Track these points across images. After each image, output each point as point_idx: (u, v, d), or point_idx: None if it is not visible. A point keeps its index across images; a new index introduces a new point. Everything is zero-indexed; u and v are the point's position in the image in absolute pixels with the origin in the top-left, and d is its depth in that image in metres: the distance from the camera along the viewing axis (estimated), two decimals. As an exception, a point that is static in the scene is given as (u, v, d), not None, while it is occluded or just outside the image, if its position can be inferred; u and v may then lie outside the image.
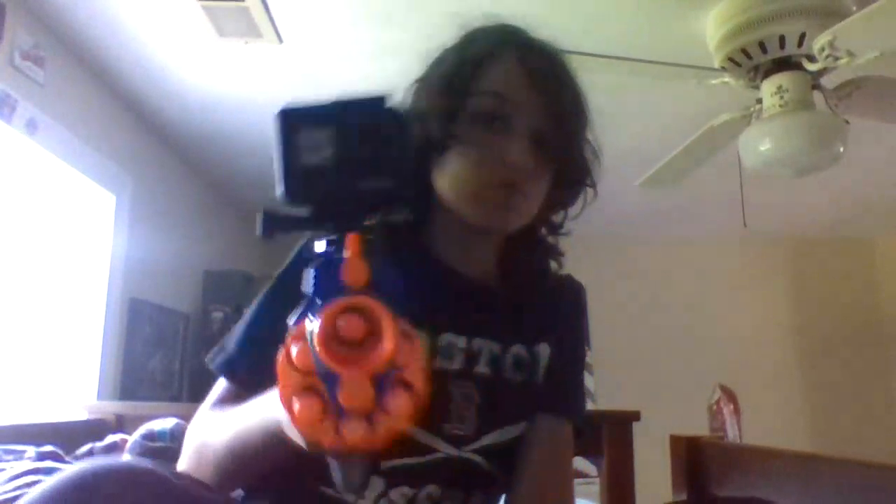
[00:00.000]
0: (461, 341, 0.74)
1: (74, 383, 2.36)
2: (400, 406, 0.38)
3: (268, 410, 0.57)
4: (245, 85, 2.47)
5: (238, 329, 0.75)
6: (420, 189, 0.76)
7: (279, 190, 0.45)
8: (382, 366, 0.37)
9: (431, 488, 0.71)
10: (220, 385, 0.74)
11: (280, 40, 2.14)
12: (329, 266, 0.38)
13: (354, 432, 0.37)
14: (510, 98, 0.74)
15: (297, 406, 0.38)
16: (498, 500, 0.78)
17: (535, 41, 0.81)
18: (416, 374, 0.39)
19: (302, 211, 0.46)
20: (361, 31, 2.10)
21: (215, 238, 3.62)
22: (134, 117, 2.71)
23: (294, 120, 0.46)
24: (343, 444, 0.38)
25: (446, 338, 0.73)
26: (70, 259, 2.38)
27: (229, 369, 0.73)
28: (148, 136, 2.85)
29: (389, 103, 0.46)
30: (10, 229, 2.05)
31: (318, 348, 0.37)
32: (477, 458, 0.72)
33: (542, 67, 0.77)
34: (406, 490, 0.70)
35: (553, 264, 0.87)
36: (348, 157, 0.44)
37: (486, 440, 0.72)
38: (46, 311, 2.24)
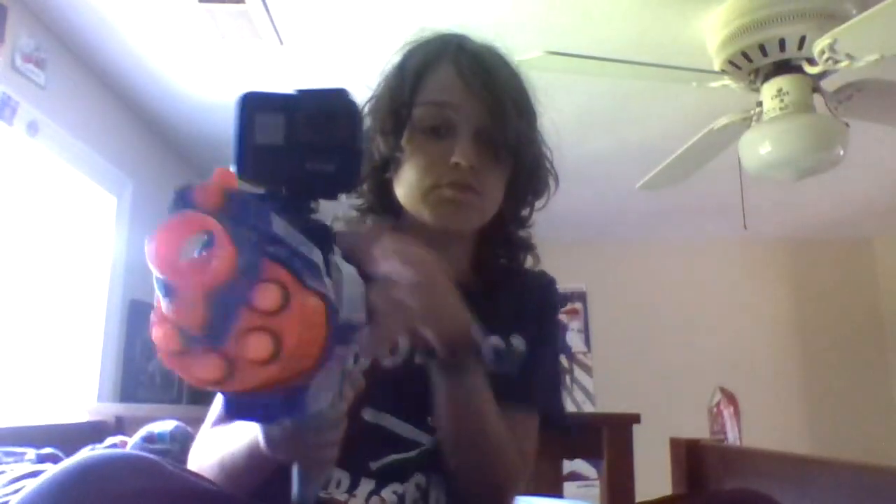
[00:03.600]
0: None
1: (74, 385, 2.36)
2: (254, 349, 0.33)
3: (251, 428, 0.58)
4: (245, 87, 2.46)
5: None
6: (387, 202, 0.81)
7: (232, 167, 0.48)
8: (216, 284, 0.33)
9: (418, 478, 0.74)
10: (218, 403, 0.73)
11: (280, 42, 2.14)
12: (185, 189, 0.36)
13: (205, 367, 0.33)
14: (450, 104, 0.78)
15: (154, 334, 0.34)
16: None
17: (469, 46, 0.84)
18: (288, 326, 0.33)
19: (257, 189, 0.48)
20: (361, 33, 2.10)
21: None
22: (135, 119, 2.71)
23: (252, 104, 0.50)
24: (195, 379, 0.34)
25: None
26: (70, 260, 2.38)
27: None
28: (148, 138, 2.85)
29: (347, 96, 0.49)
30: (11, 231, 2.05)
31: (153, 260, 0.34)
32: None
33: (478, 70, 0.80)
34: (396, 486, 0.73)
35: (530, 259, 0.90)
36: (297, 140, 0.48)
37: None
38: (47, 313, 2.24)
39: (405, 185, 0.79)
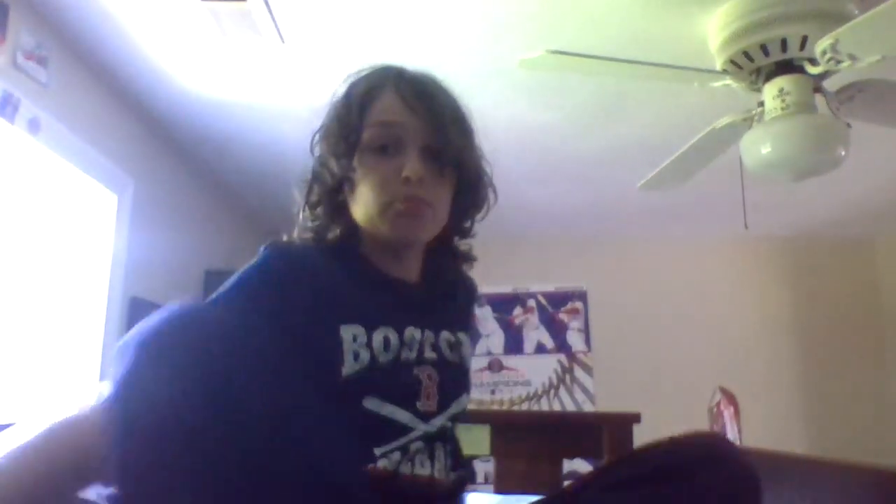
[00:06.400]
0: (416, 333, 0.85)
1: (75, 382, 2.36)
2: None
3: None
4: (247, 85, 2.47)
5: None
6: (343, 221, 0.87)
7: None
8: None
9: (417, 444, 0.81)
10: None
11: (282, 40, 2.14)
12: None
13: None
14: (395, 123, 0.85)
15: None
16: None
17: (408, 73, 0.92)
18: None
19: None
20: (362, 32, 2.10)
21: (216, 238, 3.63)
22: (136, 117, 2.71)
23: None
24: None
25: (409, 331, 0.84)
26: (71, 258, 2.38)
27: None
28: (150, 136, 2.85)
29: None
30: (12, 228, 2.05)
31: None
32: (447, 423, 0.85)
33: (418, 92, 0.88)
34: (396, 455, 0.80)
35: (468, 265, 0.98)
36: None
37: (448, 412, 0.85)
38: (47, 311, 2.25)
39: (362, 204, 0.85)
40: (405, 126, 0.85)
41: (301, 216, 0.90)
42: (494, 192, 0.96)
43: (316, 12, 2.00)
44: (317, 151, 0.91)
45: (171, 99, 2.60)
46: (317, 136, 0.91)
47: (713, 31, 1.99)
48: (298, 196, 0.91)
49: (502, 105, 2.58)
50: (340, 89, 0.93)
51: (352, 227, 0.88)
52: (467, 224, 0.95)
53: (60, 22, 2.08)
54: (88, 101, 2.37)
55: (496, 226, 3.92)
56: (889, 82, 1.93)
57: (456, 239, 0.95)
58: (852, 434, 4.20)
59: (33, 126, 2.00)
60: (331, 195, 0.87)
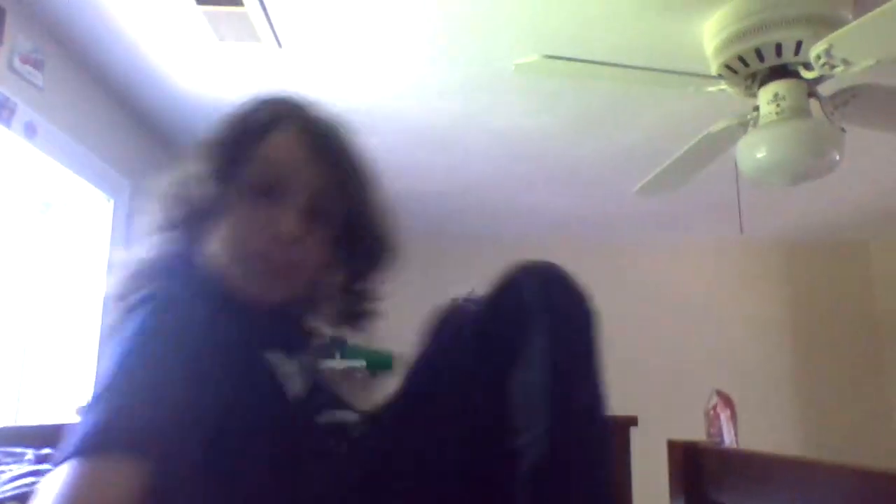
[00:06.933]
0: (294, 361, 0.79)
1: (72, 385, 2.35)
2: None
3: None
4: (243, 90, 2.47)
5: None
6: (193, 250, 0.77)
7: None
8: None
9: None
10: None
11: (279, 45, 2.14)
12: None
13: None
14: (286, 168, 0.76)
15: None
16: None
17: (314, 114, 0.82)
18: None
19: None
20: (359, 36, 2.11)
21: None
22: (133, 121, 2.71)
23: None
24: None
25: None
26: (68, 262, 2.37)
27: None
28: (146, 141, 2.85)
29: None
30: (7, 232, 2.05)
31: None
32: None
33: (318, 136, 0.79)
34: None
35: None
36: None
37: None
38: (44, 314, 2.24)
39: (223, 241, 0.75)
40: (297, 174, 0.76)
41: (153, 235, 0.79)
42: (395, 252, 0.87)
43: (313, 17, 2.01)
44: (192, 165, 0.78)
45: (168, 103, 2.60)
46: (198, 148, 0.79)
47: (708, 36, 2.00)
48: (155, 210, 0.79)
49: (498, 110, 2.59)
50: (240, 108, 0.82)
51: (197, 258, 0.77)
52: (360, 285, 0.85)
53: (57, 26, 2.08)
54: (85, 105, 2.37)
55: (494, 230, 3.96)
56: (883, 87, 1.94)
57: (344, 297, 0.85)
58: (848, 436, 4.21)
59: (29, 130, 1.99)
60: (193, 218, 0.76)
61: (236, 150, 0.77)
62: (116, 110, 2.59)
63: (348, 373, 3.57)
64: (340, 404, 0.82)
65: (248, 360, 0.72)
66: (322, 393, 0.81)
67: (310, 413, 0.76)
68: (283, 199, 0.75)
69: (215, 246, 0.76)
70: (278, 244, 0.74)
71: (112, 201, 2.56)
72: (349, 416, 0.80)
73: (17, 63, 1.94)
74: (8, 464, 1.05)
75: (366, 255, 0.85)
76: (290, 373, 0.75)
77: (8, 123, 1.89)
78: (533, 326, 0.71)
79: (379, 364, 3.73)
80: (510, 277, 0.77)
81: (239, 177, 0.76)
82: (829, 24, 1.77)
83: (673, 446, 1.33)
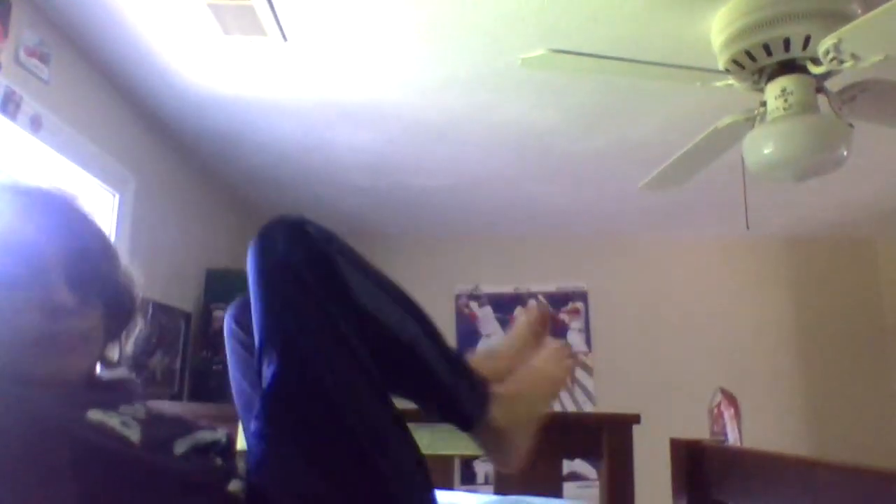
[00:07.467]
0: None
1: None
2: None
3: None
4: (249, 83, 2.47)
5: None
6: None
7: None
8: None
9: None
10: None
11: (284, 38, 2.14)
12: None
13: None
14: (32, 248, 0.78)
15: None
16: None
17: (34, 191, 0.87)
18: None
19: None
20: (365, 30, 2.10)
21: (217, 236, 3.63)
22: (138, 115, 2.71)
23: None
24: None
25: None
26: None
27: None
28: (151, 134, 2.85)
29: None
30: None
31: None
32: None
33: (50, 216, 0.84)
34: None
35: None
36: None
37: None
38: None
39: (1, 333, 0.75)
40: (42, 249, 0.80)
41: None
42: (139, 317, 0.94)
43: (319, 10, 2.00)
44: None
45: (173, 97, 2.60)
46: None
47: (715, 31, 1.99)
48: None
49: (503, 104, 2.58)
50: None
51: None
52: (112, 353, 0.90)
53: (63, 19, 2.08)
54: (90, 99, 2.37)
55: (497, 226, 3.95)
56: (891, 83, 1.92)
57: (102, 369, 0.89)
58: (853, 435, 4.20)
59: (35, 123, 1.99)
60: None
61: None
62: (122, 104, 2.59)
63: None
64: (191, 427, 0.83)
65: (77, 425, 0.72)
66: (166, 425, 0.81)
67: (163, 449, 0.76)
68: (42, 275, 0.77)
69: None
70: (57, 317, 0.76)
71: (117, 196, 2.57)
72: (209, 434, 0.83)
73: (22, 56, 1.94)
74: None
75: (116, 319, 0.88)
76: (120, 423, 0.74)
77: (13, 117, 1.90)
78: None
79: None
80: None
81: None
82: (837, 18, 1.75)
83: (676, 444, 1.33)
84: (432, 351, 0.86)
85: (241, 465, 0.82)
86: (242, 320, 0.99)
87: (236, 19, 2.03)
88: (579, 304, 4.48)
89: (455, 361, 0.90)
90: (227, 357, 1.04)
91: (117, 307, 0.87)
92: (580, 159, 3.16)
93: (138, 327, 0.93)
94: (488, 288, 4.43)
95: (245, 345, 0.99)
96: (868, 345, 4.45)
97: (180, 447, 0.78)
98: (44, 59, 2.04)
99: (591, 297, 4.49)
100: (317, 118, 2.75)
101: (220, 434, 0.84)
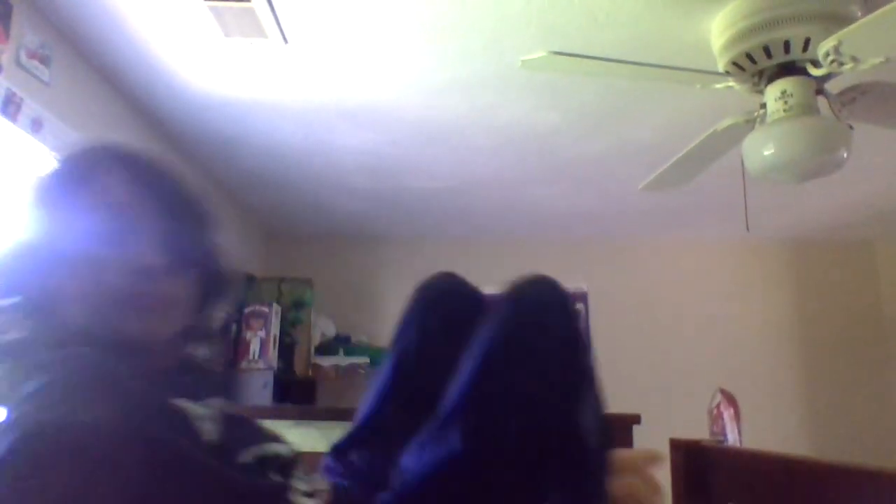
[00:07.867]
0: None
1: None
2: None
3: None
4: (250, 85, 2.48)
5: None
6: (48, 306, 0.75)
7: None
8: None
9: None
10: None
11: (285, 41, 2.14)
12: None
13: None
14: (126, 208, 0.78)
15: None
16: None
17: (139, 156, 0.86)
18: None
19: None
20: (366, 33, 2.10)
21: (219, 238, 3.62)
22: (138, 117, 2.72)
23: None
24: None
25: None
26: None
27: None
28: (152, 136, 2.86)
29: None
30: (12, 228, 2.05)
31: None
32: None
33: (150, 177, 0.83)
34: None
35: None
36: None
37: None
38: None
39: (84, 291, 0.74)
40: (137, 210, 0.78)
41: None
42: (230, 286, 0.92)
43: (319, 13, 2.00)
44: (37, 217, 0.79)
45: (174, 99, 2.60)
46: (36, 192, 0.81)
47: (715, 33, 1.99)
48: None
49: (504, 106, 2.58)
50: (64, 160, 0.85)
51: (57, 312, 0.75)
52: (208, 313, 0.88)
53: (64, 21, 2.08)
54: (91, 101, 2.37)
55: (497, 226, 3.96)
56: (891, 85, 1.93)
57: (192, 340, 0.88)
58: (853, 435, 4.20)
59: (35, 125, 2.00)
60: (40, 269, 0.76)
61: (66, 202, 0.78)
62: (122, 106, 2.60)
63: (351, 369, 3.58)
64: (265, 437, 0.81)
65: (164, 411, 0.70)
66: (241, 429, 0.79)
67: (230, 455, 0.74)
68: (132, 236, 0.76)
69: (76, 303, 0.74)
70: (144, 278, 0.74)
71: (118, 196, 2.57)
72: (278, 448, 0.80)
73: (23, 58, 1.94)
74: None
75: (212, 285, 0.87)
76: (201, 417, 0.73)
77: (14, 118, 1.90)
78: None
79: (382, 361, 3.73)
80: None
81: (76, 228, 0.76)
82: (838, 20, 1.76)
83: (675, 445, 1.33)
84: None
85: (308, 485, 0.78)
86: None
87: (237, 21, 2.03)
88: (579, 306, 4.48)
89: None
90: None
91: (207, 277, 0.85)
92: (581, 161, 3.16)
93: (227, 302, 0.90)
94: (488, 288, 4.42)
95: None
96: (868, 345, 4.45)
97: (247, 456, 0.75)
98: (45, 61, 2.04)
99: (591, 298, 4.48)
100: (317, 120, 2.75)
101: (286, 448, 0.81)
